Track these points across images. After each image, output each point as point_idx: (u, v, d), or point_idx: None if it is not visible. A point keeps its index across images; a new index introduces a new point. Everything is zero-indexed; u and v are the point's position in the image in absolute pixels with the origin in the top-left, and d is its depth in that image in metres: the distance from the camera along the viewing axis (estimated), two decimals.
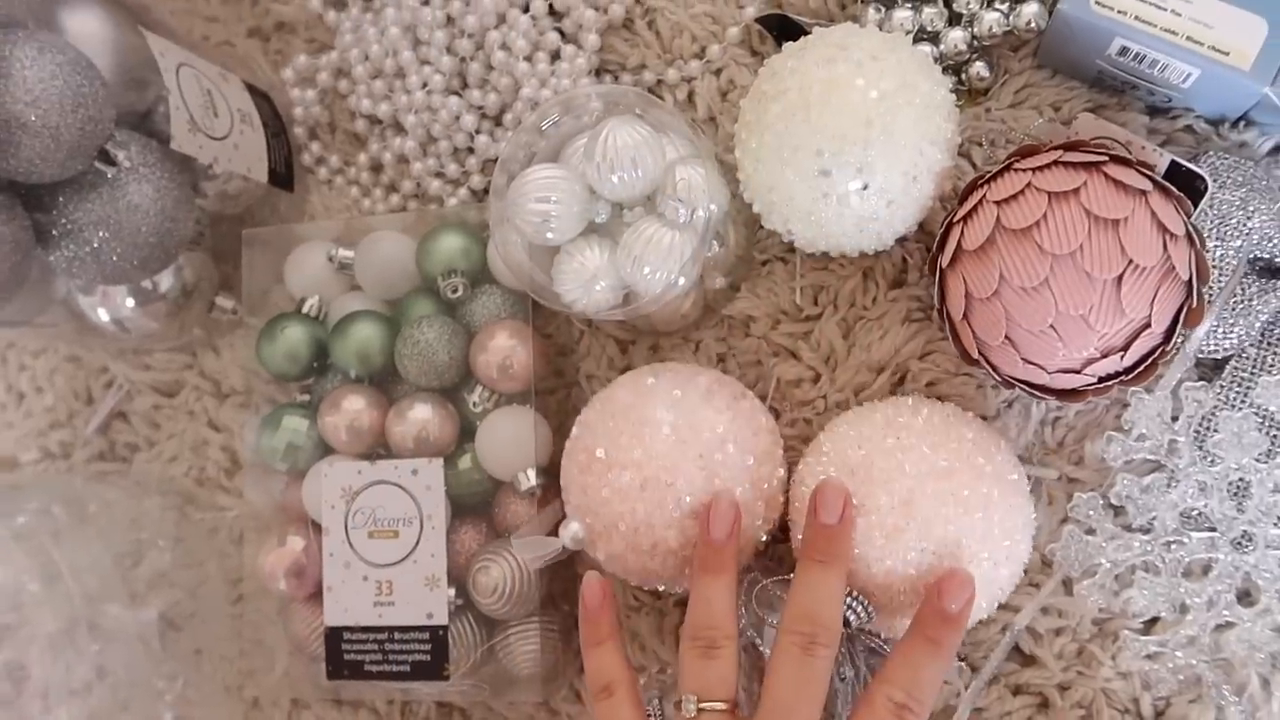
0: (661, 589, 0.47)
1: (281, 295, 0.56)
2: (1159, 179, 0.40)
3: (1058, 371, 0.41)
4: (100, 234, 0.46)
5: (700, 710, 0.39)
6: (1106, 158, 0.40)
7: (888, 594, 0.42)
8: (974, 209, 0.41)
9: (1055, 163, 0.40)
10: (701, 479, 0.42)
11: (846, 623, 0.42)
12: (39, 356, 0.62)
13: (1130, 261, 0.38)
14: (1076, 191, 0.39)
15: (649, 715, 0.43)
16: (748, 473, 0.44)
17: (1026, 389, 0.43)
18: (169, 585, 0.57)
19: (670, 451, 0.43)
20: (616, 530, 0.43)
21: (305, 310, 0.53)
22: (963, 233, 0.41)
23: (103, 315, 0.54)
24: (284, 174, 0.57)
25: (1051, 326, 0.39)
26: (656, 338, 0.52)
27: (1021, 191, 0.40)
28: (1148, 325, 0.39)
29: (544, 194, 0.44)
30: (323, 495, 0.50)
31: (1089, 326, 0.39)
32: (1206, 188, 0.42)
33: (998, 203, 0.40)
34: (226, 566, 0.57)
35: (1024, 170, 0.41)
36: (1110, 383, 0.42)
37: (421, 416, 0.49)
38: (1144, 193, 0.39)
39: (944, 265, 0.43)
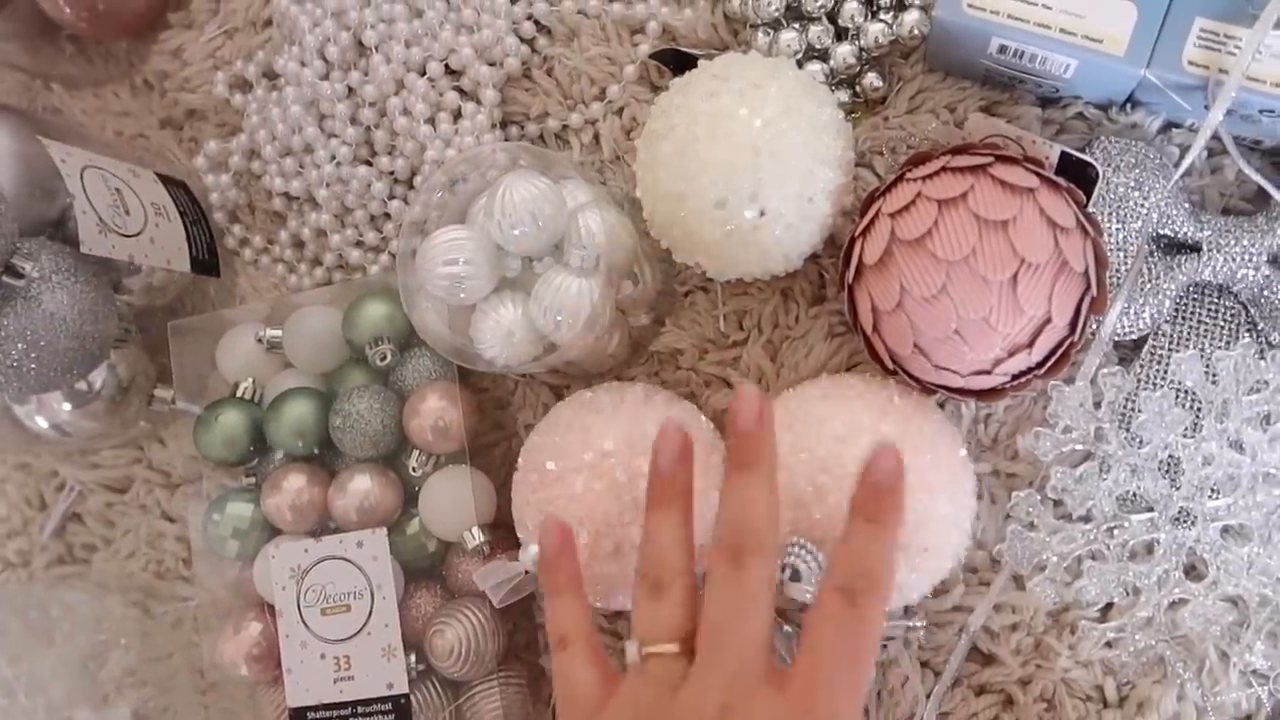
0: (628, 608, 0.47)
1: (219, 380, 0.56)
2: (1046, 173, 0.40)
3: (971, 374, 0.41)
4: (19, 346, 0.46)
5: (645, 656, 0.35)
6: (993, 158, 0.40)
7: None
8: (871, 223, 0.42)
9: (943, 169, 0.41)
10: None
11: (798, 574, 0.41)
12: None
13: (1022, 260, 0.39)
14: (964, 196, 0.39)
15: None
16: (698, 457, 0.44)
17: (947, 393, 0.43)
18: (138, 683, 0.57)
19: (620, 449, 0.43)
20: (578, 539, 0.43)
21: (240, 394, 0.53)
22: (863, 248, 0.42)
23: (41, 422, 0.55)
24: (208, 260, 0.57)
25: (956, 332, 0.40)
26: (589, 380, 0.52)
27: (913, 202, 0.40)
28: (1049, 320, 0.39)
29: (452, 256, 0.44)
30: (272, 577, 0.49)
31: (991, 328, 0.39)
32: (1098, 175, 0.42)
33: (892, 215, 0.41)
34: (193, 656, 0.57)
35: (914, 180, 0.41)
36: (1027, 377, 0.42)
37: (362, 488, 0.49)
38: (1031, 190, 0.39)
39: (850, 281, 0.43)
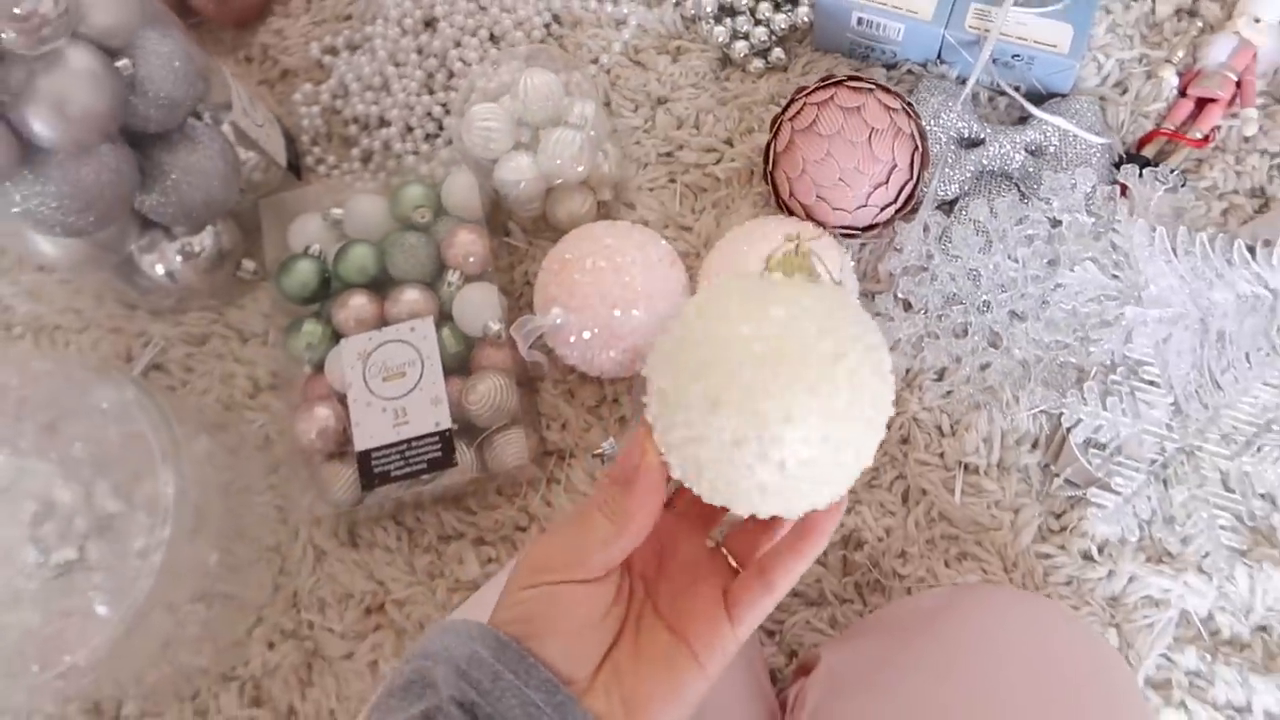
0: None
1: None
2: (875, 83, 0.65)
3: (856, 209, 0.65)
4: (173, 177, 0.65)
5: None
6: (844, 80, 0.66)
7: None
8: (778, 130, 0.66)
9: (817, 88, 0.66)
10: (642, 259, 0.64)
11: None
12: (83, 332, 0.77)
13: (872, 128, 0.63)
14: (831, 98, 0.64)
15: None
16: (669, 254, 0.66)
17: (843, 233, 0.66)
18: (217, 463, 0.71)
19: (617, 245, 0.64)
20: (589, 304, 0.63)
21: (309, 253, 0.72)
22: (775, 145, 0.66)
23: (159, 270, 0.71)
24: (296, 165, 0.77)
25: (840, 179, 0.63)
26: None
27: (801, 109, 0.65)
28: (895, 164, 0.64)
29: (485, 120, 0.66)
30: (343, 360, 0.67)
31: (860, 172, 0.63)
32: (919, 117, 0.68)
33: (790, 120, 0.65)
34: (264, 456, 0.72)
35: (800, 98, 0.66)
36: (890, 214, 0.65)
37: (411, 297, 0.68)
38: (871, 90, 0.64)
39: (770, 170, 0.66)
